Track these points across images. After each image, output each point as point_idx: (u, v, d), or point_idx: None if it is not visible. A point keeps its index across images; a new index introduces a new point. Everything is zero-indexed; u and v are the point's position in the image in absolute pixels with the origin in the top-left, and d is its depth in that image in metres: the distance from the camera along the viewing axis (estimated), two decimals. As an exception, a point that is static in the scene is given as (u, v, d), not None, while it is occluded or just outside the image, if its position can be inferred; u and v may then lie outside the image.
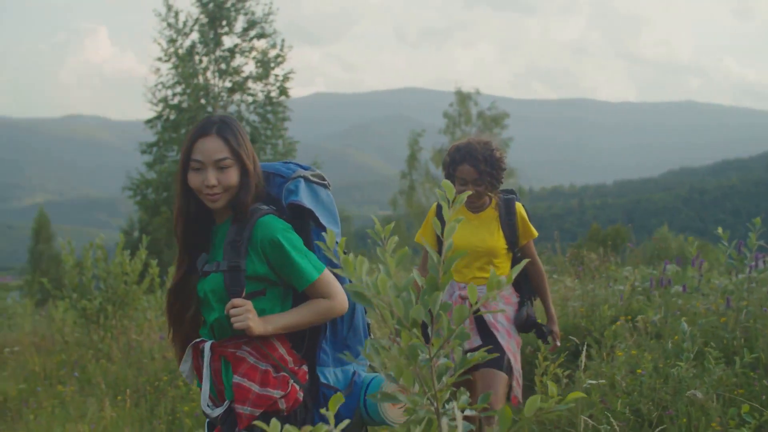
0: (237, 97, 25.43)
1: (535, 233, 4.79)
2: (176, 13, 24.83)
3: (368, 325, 3.35)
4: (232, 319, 2.94)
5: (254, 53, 25.21)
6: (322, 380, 3.14)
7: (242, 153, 3.06)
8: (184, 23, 24.83)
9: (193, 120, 23.87)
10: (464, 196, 2.46)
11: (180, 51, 24.53)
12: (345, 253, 2.38)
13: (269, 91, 25.09)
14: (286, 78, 25.00)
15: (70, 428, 6.17)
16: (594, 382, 4.75)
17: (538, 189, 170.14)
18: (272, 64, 24.90)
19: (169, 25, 24.82)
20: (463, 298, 4.64)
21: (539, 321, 4.71)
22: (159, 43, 24.68)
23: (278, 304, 3.10)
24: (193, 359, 3.16)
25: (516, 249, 4.74)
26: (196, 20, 24.84)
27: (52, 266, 42.74)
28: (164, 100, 24.64)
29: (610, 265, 9.02)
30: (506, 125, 42.04)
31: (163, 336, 8.48)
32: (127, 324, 9.29)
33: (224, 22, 24.86)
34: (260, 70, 25.02)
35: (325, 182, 3.33)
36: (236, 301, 2.96)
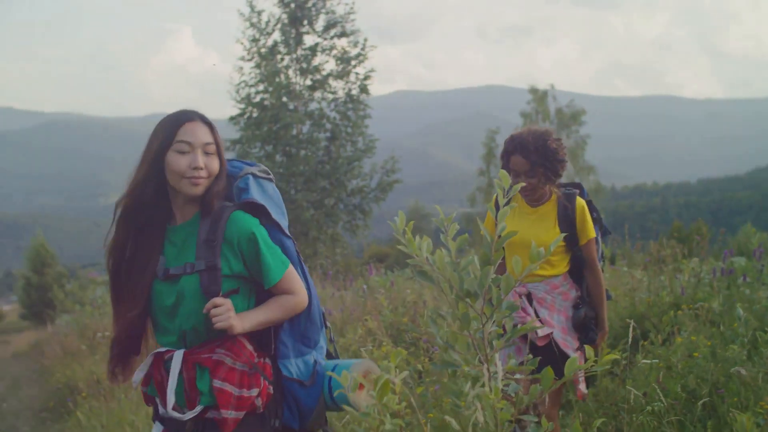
0: (318, 94, 25.74)
1: (592, 234, 4.52)
2: (259, 13, 25.34)
3: (323, 313, 3.33)
4: (215, 319, 2.89)
5: (335, 51, 25.53)
6: (285, 373, 3.13)
7: (221, 144, 3.08)
8: (267, 23, 25.31)
9: (275, 117, 24.34)
10: (519, 186, 2.79)
11: (262, 50, 25.01)
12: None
13: (350, 89, 25.38)
14: (367, 76, 25.29)
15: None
16: (648, 362, 4.97)
17: (620, 187, 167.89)
18: (353, 63, 25.18)
19: (252, 24, 25.33)
20: (520, 294, 4.55)
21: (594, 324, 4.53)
22: (242, 43, 25.22)
23: (247, 302, 3.08)
24: (154, 369, 3.05)
25: (575, 247, 4.53)
26: (278, 20, 25.29)
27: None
28: (247, 98, 25.13)
29: (678, 257, 9.15)
30: (584, 122, 41.71)
31: None
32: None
33: (305, 22, 25.23)
34: (341, 68, 25.33)
35: (270, 176, 3.33)
36: (217, 300, 2.90)
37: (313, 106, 25.60)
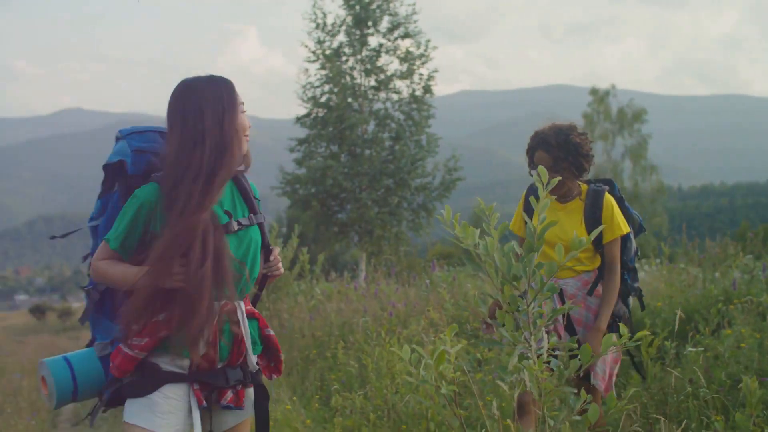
0: (382, 95, 26.02)
1: (620, 231, 4.41)
2: (324, 15, 25.75)
3: None
4: (280, 265, 3.19)
5: (399, 52, 25.79)
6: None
7: None
8: (332, 25, 25.72)
9: (340, 117, 24.72)
10: (555, 180, 3.07)
11: (328, 52, 25.40)
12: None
13: (414, 90, 25.62)
14: (430, 77, 25.52)
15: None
16: (693, 349, 5.17)
17: (687, 187, 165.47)
18: (416, 64, 25.42)
19: (318, 26, 25.75)
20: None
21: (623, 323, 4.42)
22: (306, 45, 25.63)
23: None
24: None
25: (602, 246, 4.44)
26: (343, 21, 25.67)
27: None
28: (313, 98, 25.53)
29: (734, 254, 9.27)
30: (646, 120, 41.32)
31: (312, 316, 9.19)
32: (279, 306, 10.04)
33: (370, 23, 25.55)
34: (404, 69, 25.59)
35: None
36: (276, 249, 3.20)
37: (377, 105, 25.90)
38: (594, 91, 42.00)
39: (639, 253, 4.80)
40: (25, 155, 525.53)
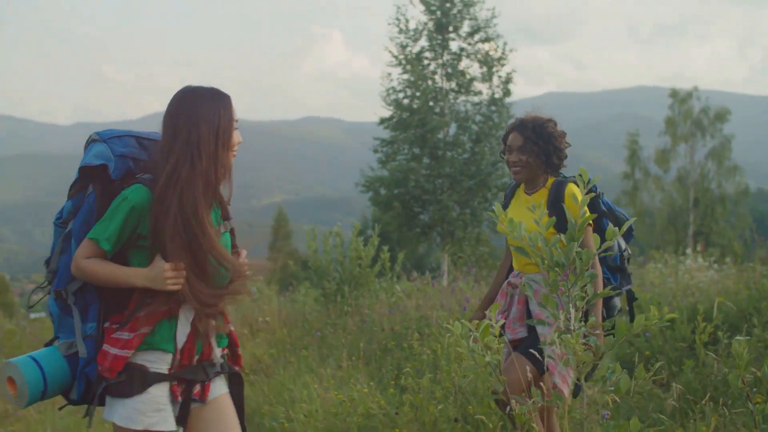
0: (463, 97, 26.30)
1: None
2: (407, 21, 26.19)
3: None
4: (245, 268, 3.33)
5: (479, 56, 26.06)
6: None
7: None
8: (414, 30, 26.14)
9: (422, 121, 25.10)
10: (595, 179, 3.47)
11: (410, 56, 25.82)
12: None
13: (493, 92, 25.86)
14: (508, 79, 25.73)
15: (311, 378, 7.38)
16: (742, 338, 5.42)
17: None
18: (495, 67, 25.66)
19: (401, 31, 26.20)
20: (513, 286, 4.54)
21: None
22: (389, 51, 26.08)
23: None
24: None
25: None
26: (425, 26, 26.07)
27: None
28: (396, 101, 25.95)
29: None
30: (728, 120, 40.43)
31: (392, 311, 9.56)
32: (361, 302, 10.40)
33: (450, 28, 25.89)
34: (485, 71, 25.85)
35: None
36: (243, 252, 3.43)
37: (458, 108, 26.19)
38: (674, 93, 41.44)
39: (628, 254, 4.61)
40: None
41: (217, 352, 3.32)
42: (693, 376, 5.48)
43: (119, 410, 3.04)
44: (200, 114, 3.11)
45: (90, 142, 3.36)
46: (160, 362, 3.11)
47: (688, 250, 13.09)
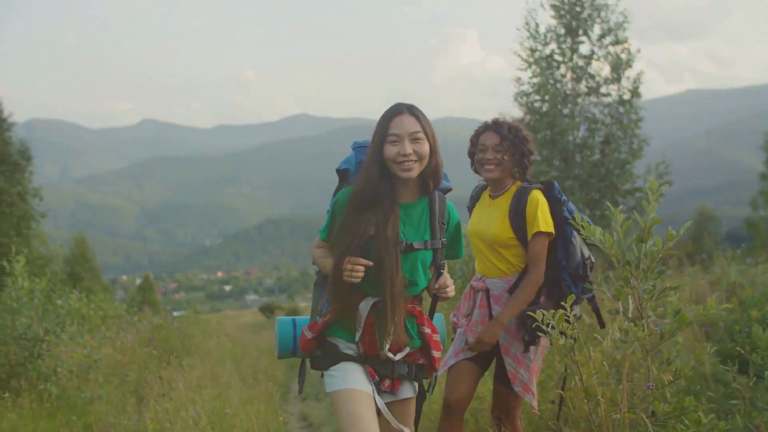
0: (592, 99, 26.40)
1: (541, 227, 4.33)
2: (537, 25, 26.51)
3: None
4: (448, 290, 3.55)
5: (609, 58, 26.12)
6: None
7: (430, 131, 3.48)
8: (545, 35, 26.42)
9: (551, 124, 25.38)
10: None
11: (540, 60, 26.12)
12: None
13: (622, 94, 25.88)
14: (637, 80, 25.71)
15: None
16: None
17: None
18: (623, 68, 25.68)
19: (531, 35, 26.53)
20: (476, 290, 4.59)
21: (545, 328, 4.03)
22: (519, 55, 26.42)
23: None
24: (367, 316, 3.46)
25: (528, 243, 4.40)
26: (554, 30, 26.31)
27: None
28: (526, 105, 26.29)
29: None
30: None
31: None
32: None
33: (580, 32, 26.03)
34: (613, 74, 25.90)
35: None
36: (447, 276, 3.60)
37: (587, 110, 26.33)
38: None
39: (591, 262, 4.55)
40: (254, 161, 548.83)
41: (402, 352, 3.53)
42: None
43: (325, 381, 3.48)
44: (376, 127, 3.49)
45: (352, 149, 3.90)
46: (345, 347, 3.49)
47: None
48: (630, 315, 3.95)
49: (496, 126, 4.50)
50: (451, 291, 3.54)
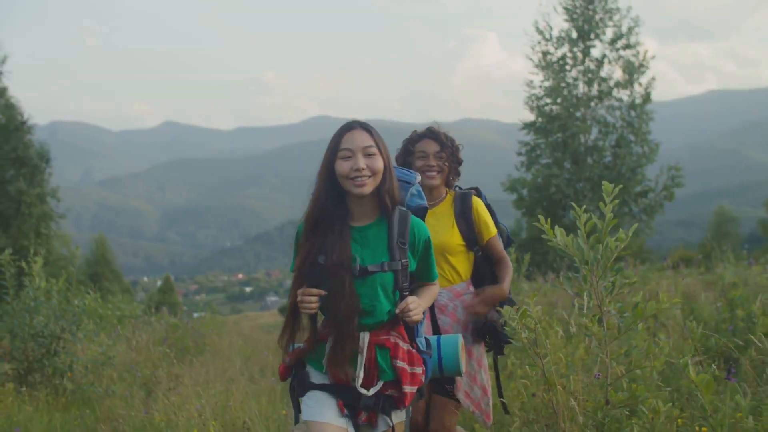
0: (605, 102, 26.59)
1: (494, 231, 4.54)
2: (551, 29, 26.75)
3: None
4: (412, 313, 3.33)
5: (621, 62, 26.33)
6: (421, 349, 3.58)
7: (383, 146, 3.36)
8: (558, 38, 26.64)
9: (563, 126, 25.64)
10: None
11: (551, 63, 26.37)
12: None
13: (634, 99, 26.05)
14: (649, 85, 25.87)
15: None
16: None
17: None
18: (636, 74, 25.86)
19: (545, 39, 26.78)
20: None
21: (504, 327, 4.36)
22: (531, 59, 26.69)
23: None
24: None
25: (476, 247, 4.53)
26: (567, 33, 26.53)
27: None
28: (538, 108, 26.55)
29: None
30: None
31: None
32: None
33: (592, 35, 26.26)
34: (626, 78, 26.10)
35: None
36: (410, 299, 3.36)
37: (599, 113, 26.53)
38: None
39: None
40: (276, 163, 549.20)
41: (359, 383, 3.38)
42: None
43: (301, 406, 3.44)
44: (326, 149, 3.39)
45: None
46: (316, 376, 3.42)
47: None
48: (587, 311, 4.28)
49: (433, 134, 4.54)
50: (415, 315, 3.34)
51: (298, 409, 3.49)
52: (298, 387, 3.45)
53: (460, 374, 3.77)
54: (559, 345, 4.71)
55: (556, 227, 4.34)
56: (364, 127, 3.35)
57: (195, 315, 26.87)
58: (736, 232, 47.87)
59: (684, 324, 7.31)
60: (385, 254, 3.35)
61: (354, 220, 3.40)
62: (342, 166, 3.27)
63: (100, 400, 8.59)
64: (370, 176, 3.28)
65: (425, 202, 3.65)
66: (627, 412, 4.12)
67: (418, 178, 3.70)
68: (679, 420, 4.15)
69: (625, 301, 4.33)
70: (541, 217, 4.48)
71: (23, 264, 9.56)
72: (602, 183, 4.30)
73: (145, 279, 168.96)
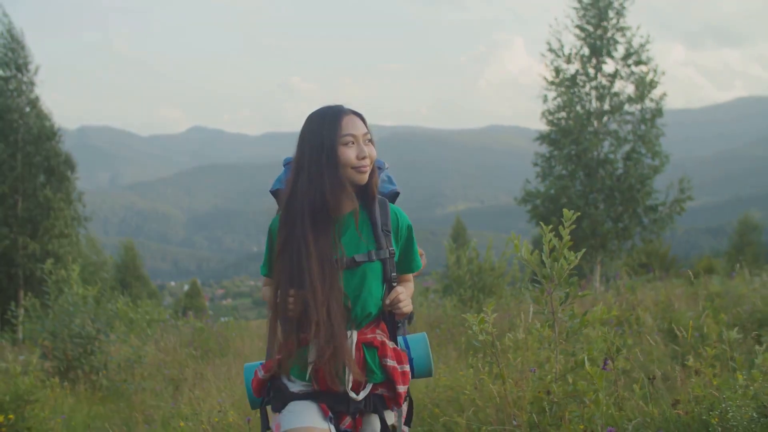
0: (616, 117, 27.06)
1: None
2: (562, 46, 27.33)
3: None
4: (402, 305, 3.12)
5: (633, 77, 26.82)
6: (401, 346, 3.38)
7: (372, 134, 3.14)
8: (569, 55, 27.21)
9: (575, 140, 26.20)
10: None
11: (564, 80, 26.94)
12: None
13: (645, 114, 26.44)
14: (660, 101, 26.26)
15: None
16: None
17: None
18: (647, 89, 26.30)
19: (557, 55, 27.36)
20: None
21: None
22: (544, 77, 27.27)
23: None
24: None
25: None
26: (579, 50, 27.10)
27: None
28: (551, 122, 27.17)
29: None
30: None
31: (510, 315, 11.02)
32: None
33: (604, 52, 26.79)
34: (638, 93, 26.54)
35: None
36: (399, 289, 3.15)
37: (610, 127, 27.02)
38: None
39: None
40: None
41: (350, 386, 3.09)
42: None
43: (280, 418, 3.10)
44: (305, 136, 3.09)
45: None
46: (296, 385, 3.12)
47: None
48: (545, 316, 5.09)
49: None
50: (405, 306, 3.14)
51: (266, 426, 3.28)
52: (276, 401, 3.16)
53: (431, 374, 3.43)
54: (512, 346, 5.56)
55: (524, 242, 5.15)
56: (354, 112, 3.13)
57: (222, 319, 27.54)
58: (759, 240, 47.84)
59: (656, 331, 8.13)
60: (372, 243, 3.14)
61: (334, 210, 3.08)
62: (347, 154, 3.02)
63: (132, 394, 9.53)
64: (369, 165, 3.08)
65: (397, 187, 3.51)
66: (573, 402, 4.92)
67: (387, 164, 3.52)
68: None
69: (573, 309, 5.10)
70: (513, 233, 5.29)
71: (63, 272, 10.51)
72: (563, 210, 4.97)
73: (173, 283, 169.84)
